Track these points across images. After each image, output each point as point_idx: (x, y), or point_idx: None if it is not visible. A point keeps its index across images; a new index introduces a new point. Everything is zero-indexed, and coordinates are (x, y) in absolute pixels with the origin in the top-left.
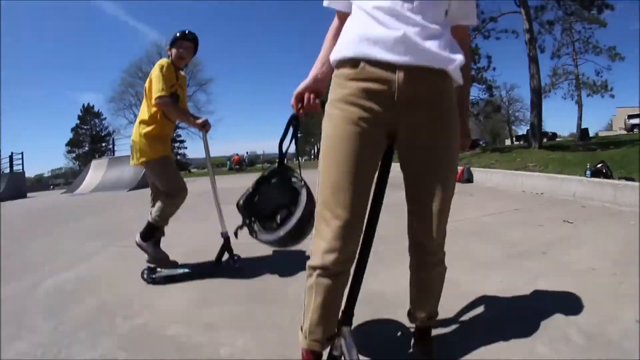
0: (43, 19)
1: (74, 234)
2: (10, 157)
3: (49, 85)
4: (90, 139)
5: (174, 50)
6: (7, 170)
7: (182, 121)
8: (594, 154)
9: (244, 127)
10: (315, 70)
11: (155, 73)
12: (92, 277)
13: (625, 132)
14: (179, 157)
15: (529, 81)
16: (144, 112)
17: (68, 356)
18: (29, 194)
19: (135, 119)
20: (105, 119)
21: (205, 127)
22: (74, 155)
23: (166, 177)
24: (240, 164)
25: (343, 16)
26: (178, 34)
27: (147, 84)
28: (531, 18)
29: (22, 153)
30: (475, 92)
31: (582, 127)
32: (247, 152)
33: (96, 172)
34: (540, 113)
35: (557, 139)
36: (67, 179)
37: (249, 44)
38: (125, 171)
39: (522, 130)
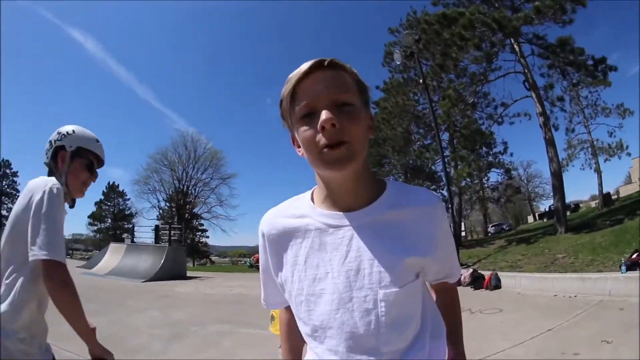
0: (83, 92)
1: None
2: None
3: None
4: (112, 216)
5: None
6: None
7: None
8: (622, 229)
9: None
10: None
11: None
12: None
13: None
14: (200, 245)
15: (547, 161)
16: None
17: None
18: None
19: (158, 203)
20: (129, 199)
21: None
22: (95, 228)
23: None
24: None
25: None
26: None
27: None
28: (542, 100)
29: None
30: (494, 177)
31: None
32: None
33: (113, 255)
34: (563, 196)
35: (580, 208)
36: (87, 247)
37: (272, 138)
38: (141, 259)
39: (544, 205)
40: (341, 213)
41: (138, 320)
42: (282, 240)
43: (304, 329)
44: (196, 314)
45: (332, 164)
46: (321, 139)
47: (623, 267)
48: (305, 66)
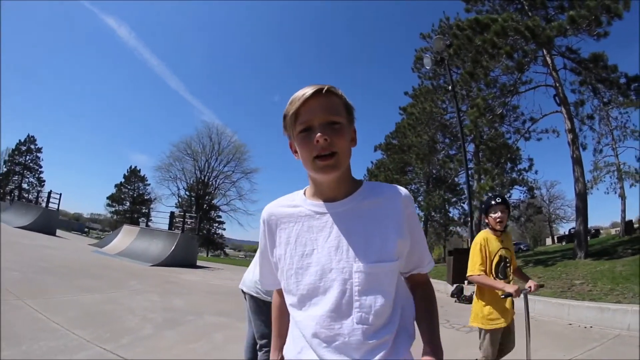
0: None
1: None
2: (49, 194)
3: (109, 135)
4: (131, 200)
5: (490, 216)
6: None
7: (493, 289)
8: None
9: None
10: (275, 347)
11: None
12: None
13: None
14: (215, 236)
15: (572, 182)
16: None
17: None
18: (59, 232)
19: (178, 192)
20: (149, 184)
21: (516, 294)
22: (113, 209)
23: None
24: None
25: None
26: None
27: None
28: (572, 116)
29: (60, 194)
30: (517, 194)
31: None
32: None
33: (125, 237)
34: (586, 219)
35: (600, 234)
36: (103, 227)
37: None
38: (153, 244)
39: (563, 228)
40: (326, 203)
41: (136, 302)
42: (279, 224)
43: (291, 300)
44: (196, 303)
45: (323, 170)
46: (315, 149)
47: None
48: (308, 92)
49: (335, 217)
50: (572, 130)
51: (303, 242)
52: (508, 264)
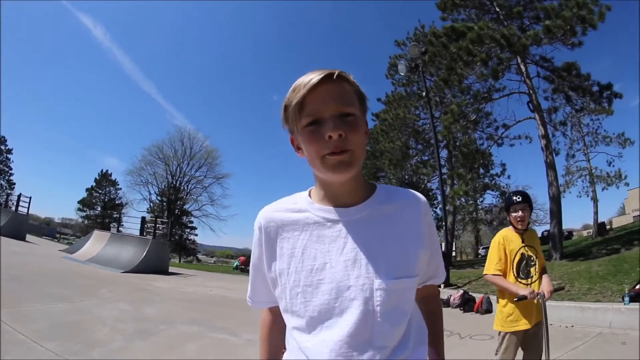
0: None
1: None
2: (18, 198)
3: (79, 137)
4: (102, 204)
5: (511, 215)
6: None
7: (509, 292)
8: (619, 258)
9: None
10: None
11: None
12: None
13: None
14: (187, 242)
15: (545, 186)
16: None
17: None
18: (29, 237)
19: (150, 196)
20: (120, 189)
21: (531, 296)
22: (84, 214)
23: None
24: (245, 265)
25: (275, 310)
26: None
27: None
28: (545, 122)
29: (30, 197)
30: (490, 199)
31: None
32: None
33: (96, 243)
34: (560, 222)
35: (573, 237)
36: (75, 232)
37: (270, 142)
38: (124, 250)
39: (536, 231)
40: (338, 209)
41: (106, 311)
42: (280, 232)
43: (297, 323)
44: (168, 312)
45: (335, 169)
46: (326, 146)
47: (626, 298)
48: (315, 78)
49: (350, 226)
50: (546, 136)
51: (312, 255)
52: (532, 263)
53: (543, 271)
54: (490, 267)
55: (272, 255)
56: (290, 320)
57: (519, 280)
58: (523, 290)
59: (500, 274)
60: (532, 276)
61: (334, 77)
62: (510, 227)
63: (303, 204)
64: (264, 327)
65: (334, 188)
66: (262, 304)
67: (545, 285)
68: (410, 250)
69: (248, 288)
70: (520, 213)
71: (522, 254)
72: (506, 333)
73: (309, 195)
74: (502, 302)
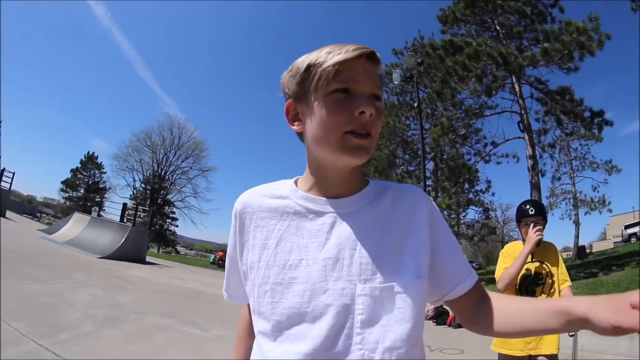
0: (76, 59)
1: None
2: (1, 172)
3: (69, 116)
4: (86, 187)
5: (522, 229)
6: None
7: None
8: (597, 282)
9: None
10: None
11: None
12: None
13: (621, 242)
14: (168, 232)
15: None
16: None
17: None
18: (9, 214)
19: (134, 183)
20: (105, 173)
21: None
22: (66, 195)
23: None
24: (223, 260)
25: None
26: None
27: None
28: (534, 143)
29: (13, 173)
30: (472, 214)
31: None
32: None
33: (75, 226)
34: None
35: None
36: (56, 212)
37: (257, 140)
38: (102, 235)
39: None
40: (324, 199)
41: (78, 295)
42: (255, 220)
43: (262, 326)
44: (141, 302)
45: (354, 151)
46: (351, 122)
47: None
48: (357, 50)
49: (336, 220)
50: (533, 157)
51: (287, 249)
52: (540, 282)
53: (568, 292)
54: (498, 272)
55: (244, 245)
56: (257, 323)
57: None
58: (527, 248)
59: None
60: (537, 297)
61: (377, 57)
62: (521, 241)
63: (286, 190)
64: (242, 325)
65: (328, 176)
66: (239, 298)
67: None
68: (407, 251)
69: (224, 280)
70: (532, 226)
71: (527, 270)
72: (500, 354)
73: (295, 182)
74: None
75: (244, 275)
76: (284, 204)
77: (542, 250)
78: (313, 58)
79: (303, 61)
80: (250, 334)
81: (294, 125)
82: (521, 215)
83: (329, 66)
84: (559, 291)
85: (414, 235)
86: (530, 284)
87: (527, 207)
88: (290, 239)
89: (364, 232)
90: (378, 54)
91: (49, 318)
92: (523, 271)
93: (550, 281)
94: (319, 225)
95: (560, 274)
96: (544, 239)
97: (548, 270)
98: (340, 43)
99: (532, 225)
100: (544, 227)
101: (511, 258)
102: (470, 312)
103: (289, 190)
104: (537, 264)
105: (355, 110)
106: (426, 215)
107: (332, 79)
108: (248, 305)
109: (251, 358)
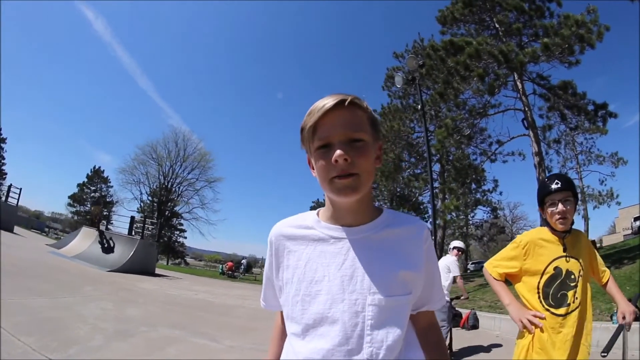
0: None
1: None
2: (8, 188)
3: (74, 131)
4: (93, 201)
5: (547, 210)
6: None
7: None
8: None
9: (248, 230)
10: None
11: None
12: None
13: (631, 235)
14: (176, 244)
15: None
16: None
17: None
18: (17, 229)
19: (141, 196)
20: (112, 187)
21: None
22: (74, 209)
23: None
24: (232, 271)
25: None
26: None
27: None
28: (539, 140)
29: (20, 189)
30: (480, 214)
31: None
32: (244, 258)
33: (83, 239)
34: None
35: None
36: (64, 227)
37: (262, 150)
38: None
39: None
40: (342, 227)
41: (88, 309)
42: (287, 245)
43: (294, 329)
44: (151, 314)
45: (340, 192)
46: (333, 169)
47: (614, 317)
48: (328, 104)
49: (351, 244)
50: (539, 154)
51: (314, 268)
52: (573, 284)
53: (613, 286)
54: (493, 263)
55: (279, 266)
56: (290, 327)
57: (547, 308)
58: (516, 312)
59: (501, 279)
60: (569, 304)
61: (346, 103)
62: (546, 227)
63: (311, 221)
64: (276, 329)
65: (340, 208)
66: (273, 306)
67: (626, 305)
68: (406, 272)
69: (262, 292)
70: (560, 207)
71: (557, 269)
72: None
73: (318, 214)
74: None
75: (279, 289)
76: (310, 233)
77: (572, 241)
78: (303, 122)
79: (301, 124)
80: (282, 336)
81: (313, 173)
82: (544, 193)
83: (310, 129)
84: (605, 283)
85: (412, 262)
86: (560, 288)
87: (551, 182)
88: (315, 260)
89: (373, 255)
90: (355, 98)
91: (58, 332)
92: (551, 271)
93: (584, 282)
94: (338, 249)
95: (596, 268)
96: (572, 226)
97: (581, 267)
98: (328, 95)
99: (559, 205)
100: (575, 207)
101: (524, 253)
102: (417, 326)
103: (313, 222)
104: (571, 261)
105: (332, 159)
106: (425, 250)
107: (313, 139)
108: (280, 313)
109: (283, 355)
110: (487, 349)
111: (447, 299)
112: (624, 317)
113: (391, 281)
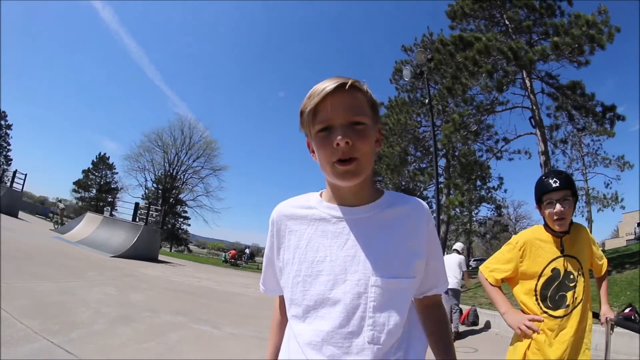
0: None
1: None
2: (14, 174)
3: (80, 118)
4: (97, 187)
5: (545, 210)
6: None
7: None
8: (610, 281)
9: (251, 219)
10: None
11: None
12: None
13: (634, 240)
14: (180, 231)
15: None
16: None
17: None
18: (22, 214)
19: (145, 183)
20: (117, 173)
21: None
22: (78, 195)
23: None
24: (235, 259)
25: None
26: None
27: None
28: (546, 139)
29: (25, 174)
30: (484, 211)
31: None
32: (247, 247)
33: (88, 225)
34: None
35: None
36: (68, 213)
37: (268, 139)
38: (115, 234)
39: None
40: (344, 207)
41: (91, 294)
42: (289, 225)
43: (295, 311)
44: (153, 300)
45: (342, 177)
46: (335, 153)
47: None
48: (329, 87)
49: (353, 224)
50: (545, 153)
51: (315, 248)
52: (571, 285)
53: (603, 287)
54: (489, 266)
55: (280, 246)
56: (290, 309)
57: (545, 311)
58: (512, 316)
59: (497, 284)
60: (568, 305)
61: (347, 86)
62: (543, 225)
63: (313, 201)
64: (275, 320)
65: (342, 190)
66: (273, 291)
67: (606, 308)
68: (409, 254)
69: (261, 275)
70: (558, 207)
71: (555, 270)
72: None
73: (321, 195)
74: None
75: (279, 270)
76: (312, 212)
77: (573, 240)
78: (302, 105)
79: (300, 107)
80: (281, 327)
81: (313, 156)
82: (542, 192)
83: (310, 112)
84: (601, 277)
85: (415, 242)
86: (559, 289)
87: (549, 179)
88: (317, 240)
89: (375, 235)
90: (355, 81)
91: (61, 316)
92: (548, 273)
93: (584, 281)
94: (340, 229)
95: (598, 265)
96: (571, 225)
97: (580, 266)
98: (328, 79)
99: (557, 205)
100: (574, 206)
101: (521, 255)
102: (420, 306)
103: (316, 202)
104: (570, 261)
105: (333, 143)
106: (427, 226)
107: (313, 122)
108: (279, 299)
109: (283, 342)
110: (486, 346)
111: (459, 287)
112: (606, 319)
113: (395, 262)
